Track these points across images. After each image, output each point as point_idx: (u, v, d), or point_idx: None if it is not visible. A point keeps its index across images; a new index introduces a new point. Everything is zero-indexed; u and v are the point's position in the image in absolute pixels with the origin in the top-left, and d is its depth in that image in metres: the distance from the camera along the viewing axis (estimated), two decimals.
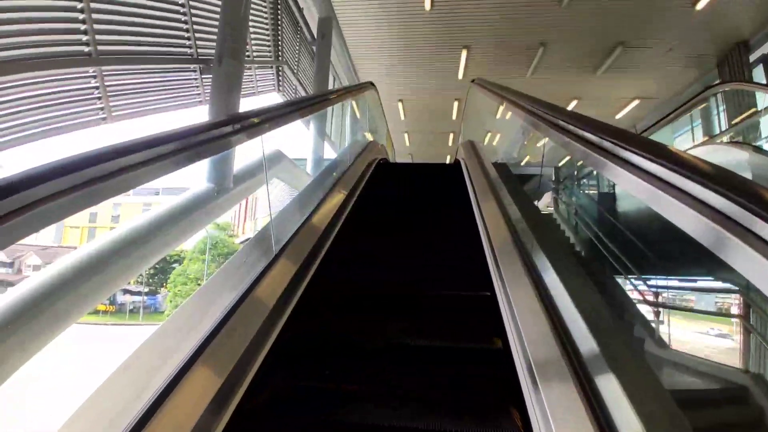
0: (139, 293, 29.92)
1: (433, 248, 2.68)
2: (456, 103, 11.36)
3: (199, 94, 4.45)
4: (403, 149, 15.13)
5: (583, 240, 6.92)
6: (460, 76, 9.83)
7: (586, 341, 1.18)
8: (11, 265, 26.58)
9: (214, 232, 27.41)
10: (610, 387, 1.00)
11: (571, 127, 1.50)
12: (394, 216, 3.22)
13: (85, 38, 2.91)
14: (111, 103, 3.30)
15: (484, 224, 2.66)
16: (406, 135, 13.85)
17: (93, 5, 2.90)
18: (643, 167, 0.97)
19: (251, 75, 5.44)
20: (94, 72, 3.08)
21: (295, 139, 7.20)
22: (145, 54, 3.80)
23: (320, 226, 2.62)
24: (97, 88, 3.15)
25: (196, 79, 4.39)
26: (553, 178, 8.43)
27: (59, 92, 2.89)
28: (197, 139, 1.50)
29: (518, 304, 1.52)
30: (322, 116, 7.44)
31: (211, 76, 4.19)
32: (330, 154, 9.21)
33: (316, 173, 6.38)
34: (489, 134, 8.36)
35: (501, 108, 5.91)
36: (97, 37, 2.99)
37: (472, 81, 5.55)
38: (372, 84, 5.95)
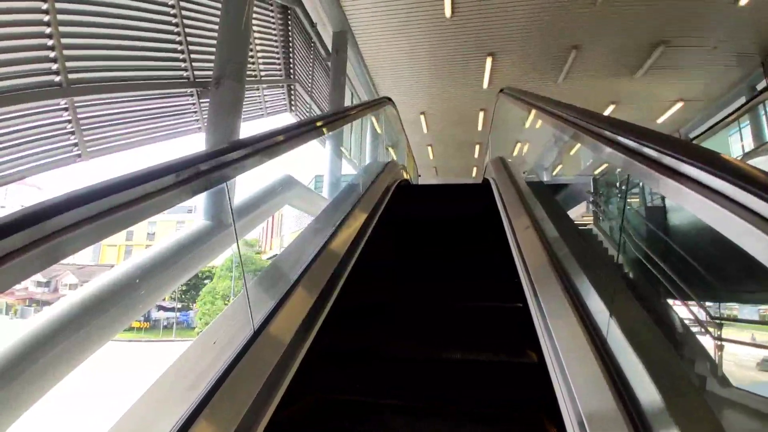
0: (172, 309, 30.43)
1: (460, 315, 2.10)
2: (481, 114, 10.72)
3: (197, 120, 4.07)
4: (427, 162, 14.55)
5: (631, 260, 6.14)
6: (485, 85, 9.22)
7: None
8: (48, 284, 27.56)
9: (243, 248, 27.21)
10: None
11: (620, 139, 1.28)
12: (412, 266, 2.64)
13: (54, 66, 2.54)
14: (85, 138, 2.93)
15: (526, 271, 2.08)
16: (429, 148, 13.28)
17: (62, 29, 2.54)
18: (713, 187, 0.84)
19: (259, 96, 5.05)
20: (65, 104, 2.71)
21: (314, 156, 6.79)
22: (131, 80, 3.44)
23: (317, 284, 2.08)
24: (69, 121, 2.78)
25: (193, 104, 4.01)
26: (591, 189, 7.66)
27: (29, 128, 2.54)
28: (184, 176, 1.23)
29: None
30: (338, 135, 7.00)
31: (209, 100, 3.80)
32: (349, 171, 8.77)
33: (333, 195, 5.93)
34: (518, 144, 7.71)
35: (531, 117, 5.34)
36: (68, 64, 2.63)
37: (501, 91, 4.95)
38: (389, 99, 5.44)
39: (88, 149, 2.99)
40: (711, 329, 3.88)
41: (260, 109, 5.11)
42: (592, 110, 1.76)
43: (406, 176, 6.24)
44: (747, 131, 8.90)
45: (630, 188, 7.02)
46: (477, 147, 13.16)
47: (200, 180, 1.36)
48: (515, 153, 7.18)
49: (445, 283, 2.32)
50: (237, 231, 3.52)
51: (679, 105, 10.30)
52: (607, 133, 1.38)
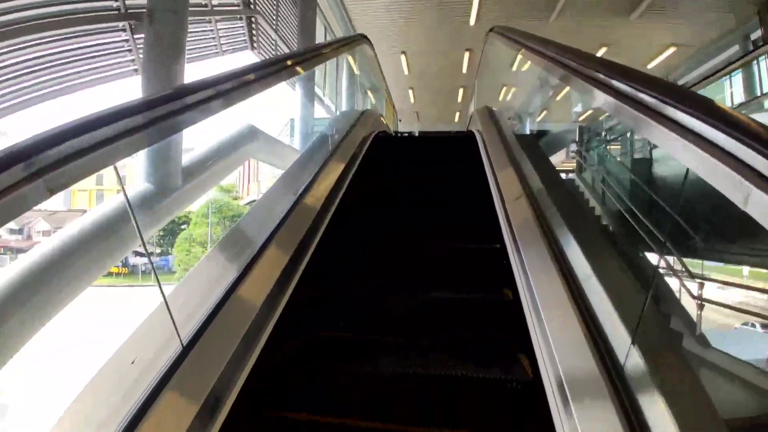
0: (151, 254, 29.96)
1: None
2: (467, 55, 9.92)
3: (132, 60, 3.39)
4: (408, 107, 13.78)
5: (612, 213, 5.98)
6: (472, 22, 8.39)
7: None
8: (21, 231, 26.38)
9: (218, 194, 26.79)
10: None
11: (624, 87, 1.17)
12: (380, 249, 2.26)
13: None
14: None
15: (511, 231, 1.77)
16: (410, 92, 12.47)
17: None
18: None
19: (212, 30, 4.28)
20: None
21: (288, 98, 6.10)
22: (46, 17, 2.73)
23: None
24: None
25: (126, 40, 3.30)
26: (576, 138, 7.31)
27: None
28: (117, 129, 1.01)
29: None
30: (310, 78, 6.26)
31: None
32: (324, 116, 8.10)
33: (305, 145, 5.37)
34: (504, 89, 7.15)
35: (518, 59, 4.82)
36: None
37: (490, 30, 4.34)
38: (364, 37, 4.75)
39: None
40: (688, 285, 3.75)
41: (214, 46, 4.36)
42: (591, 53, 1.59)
43: (384, 125, 5.69)
44: (737, 80, 8.56)
45: (616, 138, 6.67)
46: (461, 91, 12.43)
47: (135, 136, 1.09)
48: (503, 100, 6.63)
49: (422, 268, 1.98)
50: (187, 193, 3.04)
51: (672, 50, 9.85)
52: (619, 83, 1.20)
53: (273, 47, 5.69)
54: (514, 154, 2.77)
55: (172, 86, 2.82)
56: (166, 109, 1.23)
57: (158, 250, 30.59)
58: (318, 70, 7.11)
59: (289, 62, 2.55)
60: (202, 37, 4.25)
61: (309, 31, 5.96)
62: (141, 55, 3.23)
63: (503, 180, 2.41)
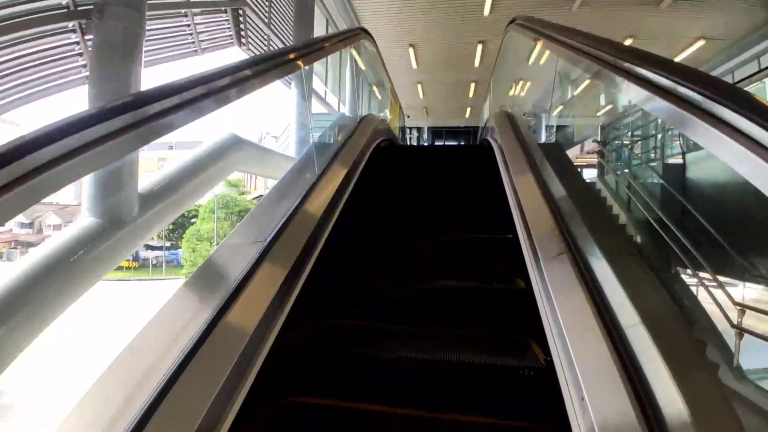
0: (160, 248, 29.90)
1: None
2: (479, 48, 9.17)
3: (84, 65, 2.82)
4: (417, 103, 13.06)
5: (638, 222, 5.32)
6: (486, 12, 7.65)
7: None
8: (31, 225, 26.41)
9: (225, 189, 26.51)
10: None
11: (689, 92, 0.98)
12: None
13: None
14: None
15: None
16: (419, 86, 11.74)
17: None
18: None
19: (189, 25, 3.68)
20: None
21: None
22: None
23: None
24: None
25: (77, 42, 2.72)
26: (599, 138, 6.62)
27: None
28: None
29: None
30: (306, 77, 5.65)
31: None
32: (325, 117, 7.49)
33: (302, 150, 4.78)
34: (522, 85, 6.46)
35: (535, 52, 4.20)
36: None
37: (512, 22, 3.68)
38: (364, 31, 4.11)
39: None
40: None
41: (191, 44, 3.76)
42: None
43: (387, 129, 5.06)
44: None
45: (644, 138, 5.91)
46: (473, 86, 11.66)
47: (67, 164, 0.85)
48: (514, 92, 5.93)
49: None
50: (147, 223, 2.48)
51: (701, 43, 9.13)
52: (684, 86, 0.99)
53: (265, 43, 5.08)
54: (553, 194, 2.12)
55: (125, 95, 2.25)
56: (113, 125, 1.00)
57: (167, 244, 30.51)
58: (319, 65, 6.50)
59: (268, 63, 1.97)
60: (175, 34, 3.65)
61: (306, 25, 5.33)
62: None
63: (540, 244, 1.75)
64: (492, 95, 5.76)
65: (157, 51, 3.41)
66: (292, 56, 2.31)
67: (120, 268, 27.16)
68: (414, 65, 10.07)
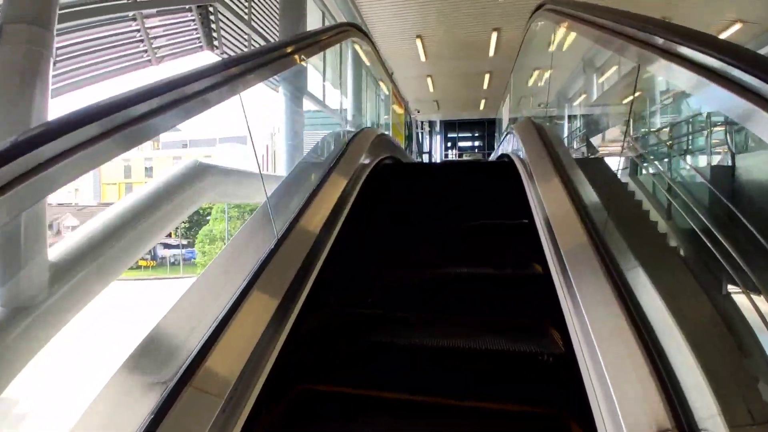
0: (177, 246, 29.97)
1: None
2: (494, 36, 8.24)
3: None
4: (427, 96, 12.16)
5: (681, 231, 4.50)
6: None
7: None
8: (50, 227, 26.59)
9: None
10: None
11: None
12: None
13: None
14: None
15: None
16: (429, 80, 10.84)
17: None
18: None
19: (138, 31, 2.98)
20: None
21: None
22: None
23: None
24: None
25: None
26: (631, 132, 5.74)
27: None
28: None
29: None
30: (297, 79, 4.92)
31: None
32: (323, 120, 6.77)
33: (292, 165, 4.09)
34: (536, 72, 5.61)
35: (558, 37, 3.44)
36: None
37: (539, 7, 2.86)
38: (354, 27, 3.35)
39: None
40: None
41: (143, 52, 3.06)
42: None
43: (389, 143, 4.28)
44: None
45: (691, 134, 5.05)
46: (487, 77, 10.70)
47: None
48: (530, 82, 5.05)
49: None
50: (64, 302, 1.86)
51: (737, 27, 8.17)
52: None
53: (245, 43, 4.36)
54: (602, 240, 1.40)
55: (26, 128, 1.61)
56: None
57: (184, 242, 30.58)
58: (318, 59, 5.76)
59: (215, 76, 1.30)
60: (121, 43, 2.96)
61: (295, 19, 4.58)
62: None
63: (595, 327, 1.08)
64: (511, 94, 4.93)
65: (98, 66, 2.74)
66: (234, 70, 1.60)
67: (138, 267, 27.30)
68: (422, 58, 9.20)
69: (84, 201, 35.08)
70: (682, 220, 4.28)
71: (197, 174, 3.07)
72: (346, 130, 3.32)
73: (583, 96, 7.32)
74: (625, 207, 1.89)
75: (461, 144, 20.30)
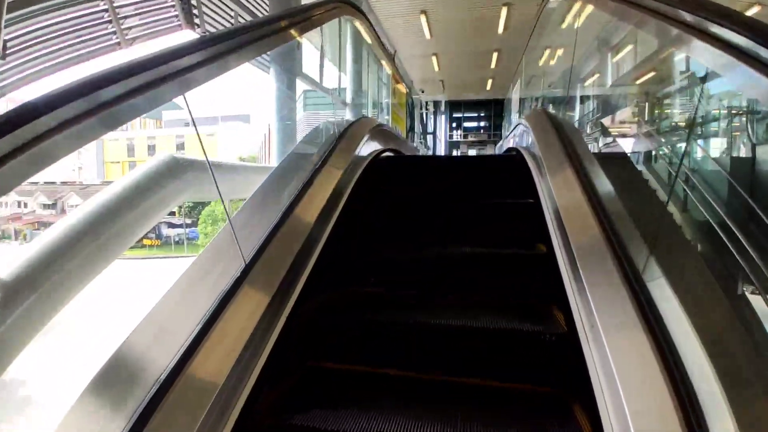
0: (181, 226, 29.97)
1: None
2: (504, 11, 7.67)
3: None
4: (432, 76, 11.60)
5: (698, 223, 4.19)
6: None
7: None
8: (54, 206, 26.50)
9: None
10: None
11: None
12: None
13: None
14: None
15: None
16: (434, 58, 10.28)
17: None
18: None
19: (106, 11, 2.59)
20: None
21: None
22: None
23: None
24: None
25: None
26: (644, 115, 5.34)
27: None
28: None
29: None
30: (288, 57, 4.51)
31: None
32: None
33: (284, 154, 3.75)
34: (547, 51, 5.15)
35: (572, 11, 3.10)
36: None
37: None
38: (347, 3, 2.94)
39: None
40: None
41: (111, 34, 2.68)
42: None
43: (388, 134, 3.91)
44: None
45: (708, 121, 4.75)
46: (495, 55, 10.12)
47: None
48: (541, 61, 4.60)
49: None
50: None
51: (755, 9, 7.52)
52: None
53: (230, 20, 3.95)
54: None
55: None
56: None
57: (189, 221, 30.57)
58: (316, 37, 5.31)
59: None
60: (87, 25, 2.58)
61: None
62: None
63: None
64: (522, 78, 4.51)
65: (57, 53, 2.39)
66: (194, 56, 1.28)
67: (143, 246, 27.37)
68: (427, 35, 8.65)
69: (88, 179, 34.91)
70: (698, 212, 3.95)
71: (172, 171, 2.75)
72: (337, 122, 2.97)
73: (597, 77, 6.84)
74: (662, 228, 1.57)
75: (467, 124, 19.68)
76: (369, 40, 3.75)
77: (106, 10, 2.66)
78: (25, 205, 27.53)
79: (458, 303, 1.62)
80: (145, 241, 26.70)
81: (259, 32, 1.79)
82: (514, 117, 5.93)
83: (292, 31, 2.20)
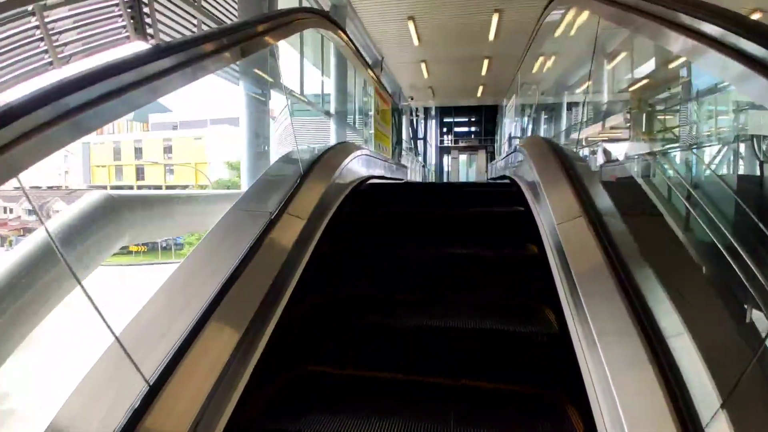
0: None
1: None
2: (495, 18, 7.30)
3: None
4: (422, 83, 11.19)
5: (702, 244, 3.83)
6: None
7: None
8: (39, 211, 25.57)
9: (226, 172, 25.33)
10: None
11: None
12: None
13: None
14: None
15: None
16: (423, 66, 9.88)
17: None
18: None
19: (37, 27, 2.14)
20: None
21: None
22: None
23: None
24: None
25: None
26: (642, 125, 4.99)
27: None
28: None
29: None
30: (261, 67, 4.08)
31: None
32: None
33: (254, 178, 3.27)
34: (541, 59, 4.78)
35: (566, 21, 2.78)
36: None
37: None
38: (319, 14, 2.51)
39: None
40: None
41: (44, 53, 2.23)
42: None
43: (369, 164, 3.46)
44: None
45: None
46: (486, 62, 9.75)
47: None
48: (535, 69, 4.20)
49: None
50: None
51: (757, 16, 7.24)
52: None
53: (193, 28, 3.51)
54: None
55: None
56: None
57: None
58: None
59: None
60: (19, 44, 2.12)
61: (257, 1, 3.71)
62: None
63: None
64: (517, 92, 4.13)
65: None
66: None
67: (129, 252, 26.61)
68: (416, 42, 8.24)
69: (74, 184, 33.92)
70: (702, 231, 3.57)
71: (107, 212, 2.30)
72: (306, 152, 2.53)
73: (589, 85, 6.49)
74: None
75: (457, 129, 19.34)
76: (347, 55, 3.33)
77: (37, 27, 2.21)
78: (11, 211, 26.55)
79: None
80: (131, 247, 25.93)
81: (192, 52, 1.39)
82: (510, 129, 5.56)
83: (239, 47, 1.77)
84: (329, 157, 2.48)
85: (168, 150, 36.04)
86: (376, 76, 4.38)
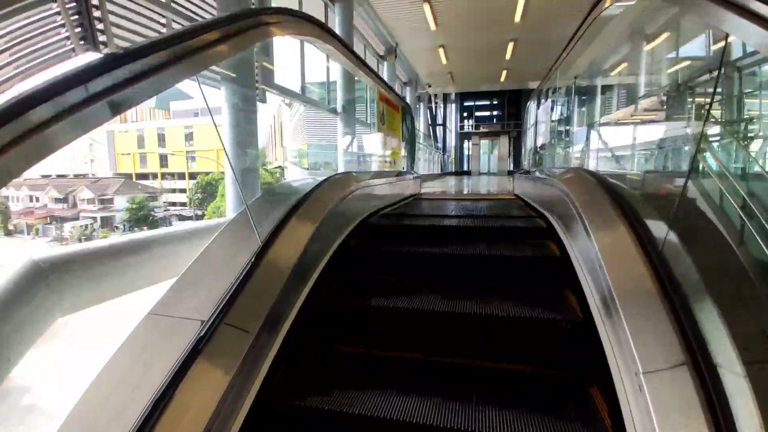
0: (191, 218, 29.54)
1: None
2: None
3: None
4: (440, 69, 10.31)
5: (757, 264, 3.05)
6: None
7: None
8: (65, 200, 26.08)
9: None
10: None
11: None
12: None
13: None
14: None
15: None
16: (441, 51, 9.01)
17: None
18: None
19: None
20: None
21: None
22: None
23: None
24: None
25: None
26: (689, 128, 4.17)
27: None
28: None
29: None
30: (243, 70, 3.48)
31: None
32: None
33: (238, 208, 2.75)
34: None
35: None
36: None
37: None
38: (294, 14, 1.89)
39: None
40: None
41: None
42: None
43: (370, 200, 2.80)
44: None
45: None
46: (510, 46, 8.80)
47: None
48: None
49: None
50: None
51: None
52: None
53: (161, 29, 2.93)
54: None
55: None
56: None
57: (199, 213, 30.15)
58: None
59: None
60: None
61: None
62: None
63: None
64: (559, 72, 3.40)
65: None
66: None
67: None
68: (432, 26, 7.41)
69: (100, 172, 34.52)
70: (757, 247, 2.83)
71: (34, 282, 1.81)
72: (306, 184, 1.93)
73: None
74: None
75: (478, 113, 18.28)
76: (340, 65, 2.68)
77: None
78: (37, 200, 27.23)
79: None
80: None
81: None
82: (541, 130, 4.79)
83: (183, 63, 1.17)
84: (294, 226, 1.72)
85: (189, 137, 36.14)
86: (381, 80, 3.71)
